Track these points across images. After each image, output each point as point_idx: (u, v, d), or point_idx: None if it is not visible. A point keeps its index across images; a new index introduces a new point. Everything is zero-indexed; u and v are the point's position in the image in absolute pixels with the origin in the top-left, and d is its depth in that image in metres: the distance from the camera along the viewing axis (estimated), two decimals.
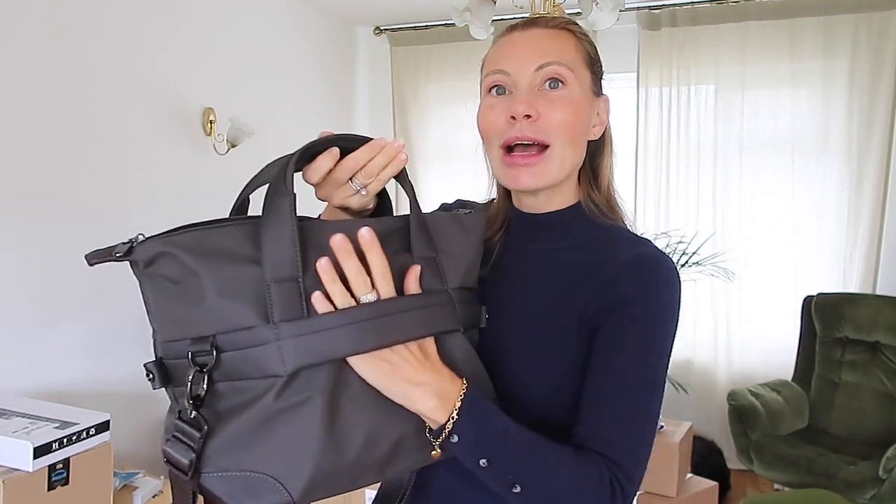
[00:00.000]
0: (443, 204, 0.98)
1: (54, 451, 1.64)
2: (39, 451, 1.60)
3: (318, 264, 0.64)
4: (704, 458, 3.05)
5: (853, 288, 3.31)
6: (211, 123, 2.92)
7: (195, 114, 2.88)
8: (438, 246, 0.74)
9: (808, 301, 3.27)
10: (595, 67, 0.86)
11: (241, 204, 0.75)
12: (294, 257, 0.64)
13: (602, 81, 0.88)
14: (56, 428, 1.68)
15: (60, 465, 1.66)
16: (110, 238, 2.40)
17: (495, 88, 0.84)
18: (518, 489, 0.70)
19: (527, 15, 2.51)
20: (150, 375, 0.67)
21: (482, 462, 0.70)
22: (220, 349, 0.63)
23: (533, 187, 0.83)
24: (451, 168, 3.88)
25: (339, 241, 0.64)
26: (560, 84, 0.81)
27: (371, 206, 0.78)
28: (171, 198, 2.76)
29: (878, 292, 3.27)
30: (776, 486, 3.11)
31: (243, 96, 3.15)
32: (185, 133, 2.83)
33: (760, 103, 3.40)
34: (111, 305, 2.49)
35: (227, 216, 0.72)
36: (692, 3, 3.41)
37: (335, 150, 0.72)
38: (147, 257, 0.64)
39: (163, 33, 2.69)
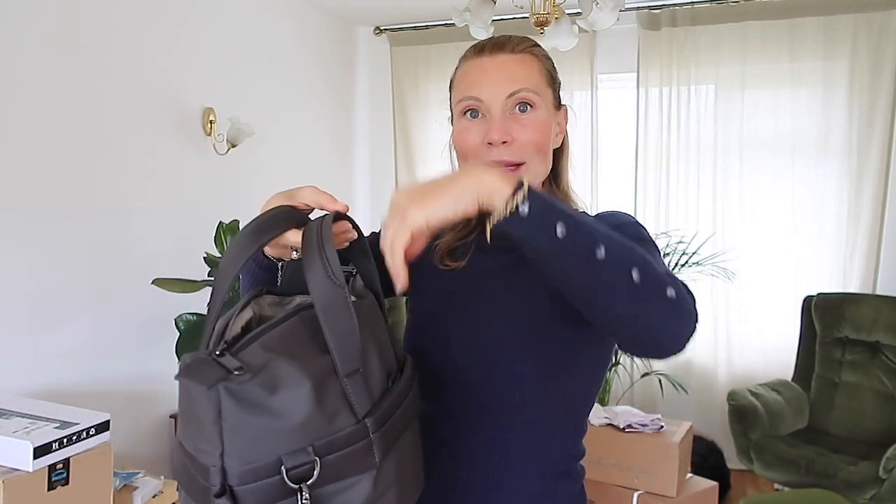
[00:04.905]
0: (373, 233, 0.97)
1: (54, 451, 1.64)
2: (39, 451, 1.60)
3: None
4: (704, 458, 3.05)
5: (853, 288, 3.31)
6: (211, 123, 2.92)
7: (195, 114, 2.89)
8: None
9: (808, 301, 3.26)
10: (555, 84, 0.94)
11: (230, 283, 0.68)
12: (359, 349, 0.64)
13: (560, 93, 0.96)
14: (56, 428, 1.68)
15: (60, 465, 1.66)
16: (109, 238, 2.38)
17: (469, 112, 0.91)
18: (602, 252, 0.65)
19: (526, 15, 2.51)
20: None
21: (559, 229, 0.64)
22: (320, 456, 0.60)
23: None
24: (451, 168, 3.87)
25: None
26: (529, 107, 0.89)
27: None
28: (172, 197, 2.76)
29: (878, 292, 3.27)
30: (776, 486, 3.11)
31: (243, 96, 3.15)
32: (185, 133, 2.83)
33: (760, 103, 3.40)
34: (111, 305, 2.49)
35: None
36: (692, 3, 3.41)
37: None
38: (257, 364, 0.59)
39: (163, 33, 2.69)
